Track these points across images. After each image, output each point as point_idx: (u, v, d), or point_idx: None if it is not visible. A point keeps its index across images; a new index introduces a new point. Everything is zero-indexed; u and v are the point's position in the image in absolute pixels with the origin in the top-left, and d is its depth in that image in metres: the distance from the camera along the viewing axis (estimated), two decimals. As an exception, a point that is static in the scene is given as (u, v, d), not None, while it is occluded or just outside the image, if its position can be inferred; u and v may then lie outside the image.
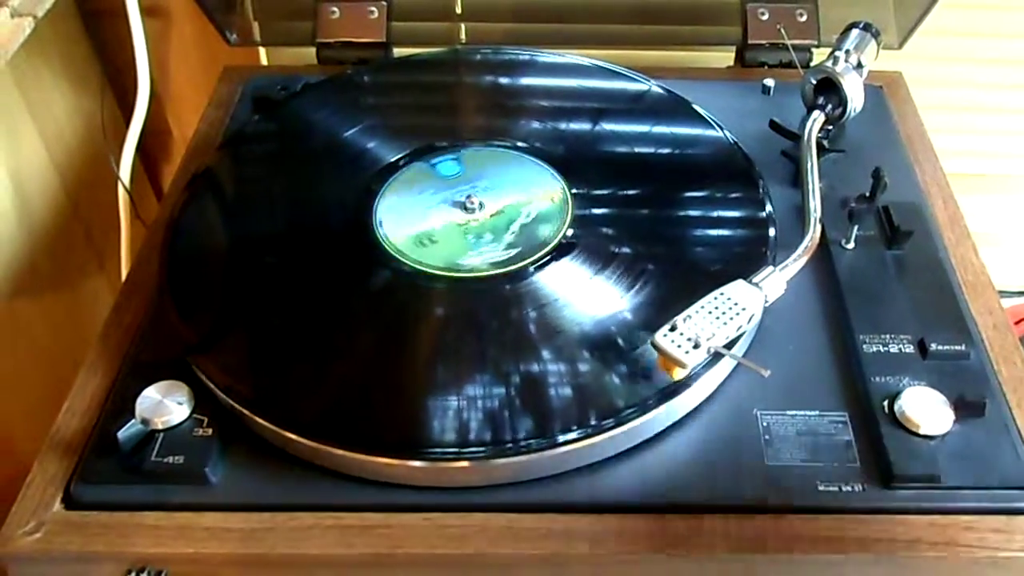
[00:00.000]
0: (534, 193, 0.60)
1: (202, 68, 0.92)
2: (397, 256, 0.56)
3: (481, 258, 0.56)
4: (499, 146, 0.64)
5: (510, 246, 0.57)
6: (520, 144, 0.64)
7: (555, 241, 0.57)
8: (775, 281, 0.52)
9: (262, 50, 0.89)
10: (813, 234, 0.56)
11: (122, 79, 0.94)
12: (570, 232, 0.57)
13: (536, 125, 0.67)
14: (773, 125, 0.67)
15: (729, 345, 0.49)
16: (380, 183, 0.61)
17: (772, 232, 0.58)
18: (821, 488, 0.48)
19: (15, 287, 0.78)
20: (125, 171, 0.79)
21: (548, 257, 0.56)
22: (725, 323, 0.49)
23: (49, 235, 0.84)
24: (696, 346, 0.48)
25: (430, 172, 0.62)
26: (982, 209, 1.02)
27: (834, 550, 0.46)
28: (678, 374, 0.48)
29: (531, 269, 0.55)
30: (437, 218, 0.59)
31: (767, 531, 0.47)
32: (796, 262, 0.54)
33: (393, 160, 0.63)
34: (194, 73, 0.94)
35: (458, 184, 0.61)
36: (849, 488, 0.48)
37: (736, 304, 0.50)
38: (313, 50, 0.79)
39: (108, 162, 0.84)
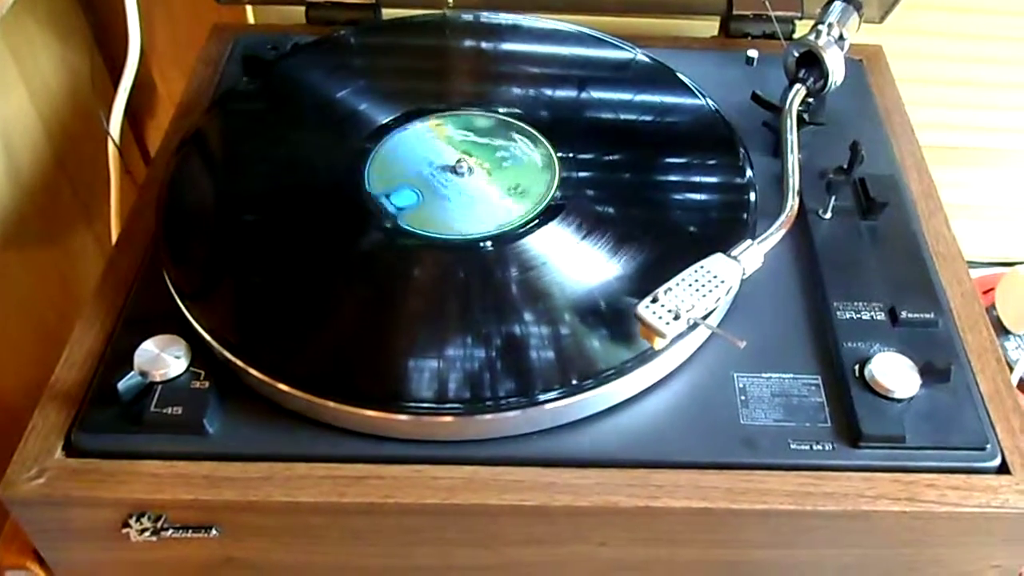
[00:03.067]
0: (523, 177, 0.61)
1: (186, 24, 0.92)
2: (390, 216, 0.57)
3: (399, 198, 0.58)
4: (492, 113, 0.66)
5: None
6: (510, 110, 0.65)
7: (543, 206, 0.58)
8: (753, 254, 0.54)
9: (249, 9, 0.89)
10: (792, 206, 0.58)
11: (107, 32, 0.93)
12: (556, 196, 0.59)
13: (523, 91, 0.68)
14: (755, 97, 0.69)
15: (707, 315, 0.51)
16: (372, 143, 0.62)
17: (753, 200, 0.60)
18: (793, 446, 0.51)
19: (1, 240, 0.79)
20: (115, 126, 0.79)
21: (536, 222, 0.57)
22: (704, 295, 0.51)
23: (36, 189, 0.84)
24: (676, 317, 0.49)
25: (431, 135, 0.64)
26: (957, 181, 1.04)
27: (803, 503, 0.49)
28: (659, 343, 0.50)
29: (519, 232, 0.57)
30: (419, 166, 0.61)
31: (741, 485, 0.49)
32: (774, 235, 0.56)
33: (384, 122, 0.64)
34: (178, 28, 0.94)
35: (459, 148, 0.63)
36: (820, 447, 0.51)
37: (715, 277, 0.52)
38: (301, 9, 0.79)
39: (93, 116, 0.84)
